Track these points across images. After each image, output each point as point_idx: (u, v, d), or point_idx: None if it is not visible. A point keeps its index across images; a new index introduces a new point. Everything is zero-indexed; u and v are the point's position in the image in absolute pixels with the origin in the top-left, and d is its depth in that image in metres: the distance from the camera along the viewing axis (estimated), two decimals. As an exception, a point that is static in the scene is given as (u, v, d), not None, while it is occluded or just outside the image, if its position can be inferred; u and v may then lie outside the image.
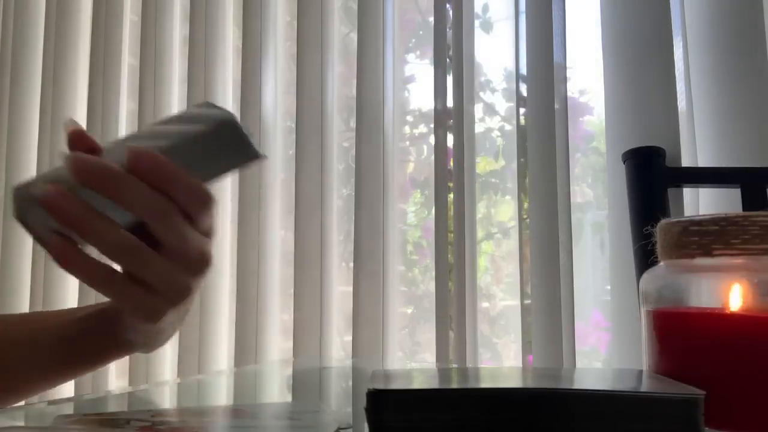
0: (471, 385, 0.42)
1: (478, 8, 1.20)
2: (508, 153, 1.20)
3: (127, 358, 1.42)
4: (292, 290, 1.28)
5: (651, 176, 0.93)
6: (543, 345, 1.07)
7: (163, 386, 0.67)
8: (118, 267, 0.40)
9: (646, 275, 0.45)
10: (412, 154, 1.31)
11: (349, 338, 1.23)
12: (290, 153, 1.37)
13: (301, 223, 1.29)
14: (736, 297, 0.40)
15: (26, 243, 1.59)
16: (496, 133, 1.21)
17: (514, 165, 1.15)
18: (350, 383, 0.70)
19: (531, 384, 0.41)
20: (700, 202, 1.03)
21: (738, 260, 0.40)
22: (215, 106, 0.42)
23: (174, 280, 0.39)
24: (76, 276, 0.39)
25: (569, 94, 1.10)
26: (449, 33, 1.19)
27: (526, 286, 1.12)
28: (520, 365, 1.11)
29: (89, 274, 0.39)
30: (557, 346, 1.05)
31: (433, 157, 1.20)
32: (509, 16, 1.17)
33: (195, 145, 0.40)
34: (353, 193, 1.25)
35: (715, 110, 1.02)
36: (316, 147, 1.31)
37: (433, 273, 1.16)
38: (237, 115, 1.48)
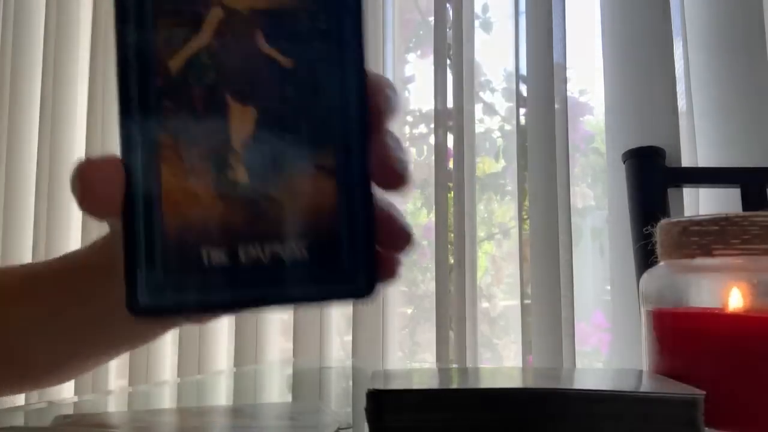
0: (471, 385, 0.42)
1: (478, 8, 1.20)
2: (508, 153, 1.20)
3: (127, 358, 1.42)
4: (292, 290, 1.28)
5: (651, 176, 0.93)
6: (543, 345, 1.07)
7: (163, 386, 0.67)
8: None
9: (646, 275, 0.45)
10: (412, 154, 1.32)
11: (349, 338, 1.23)
12: (290, 153, 1.37)
13: (301, 223, 1.29)
14: (736, 297, 0.40)
15: (26, 241, 1.59)
16: (496, 133, 1.21)
17: (514, 165, 1.15)
18: (350, 383, 0.70)
19: (531, 384, 0.41)
20: (700, 202, 1.03)
21: (738, 260, 0.40)
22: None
23: None
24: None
25: (569, 94, 1.10)
26: (449, 33, 1.19)
27: (526, 286, 1.12)
28: (520, 365, 1.11)
29: None
30: (557, 346, 1.05)
31: (433, 157, 1.20)
32: (509, 16, 1.17)
33: None
34: (353, 193, 1.25)
35: (715, 110, 1.02)
36: (316, 147, 1.31)
37: (433, 273, 1.16)
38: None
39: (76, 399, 0.58)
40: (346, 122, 0.25)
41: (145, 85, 0.23)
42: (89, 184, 0.23)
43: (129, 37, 0.23)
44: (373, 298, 0.25)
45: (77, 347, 0.43)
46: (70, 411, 0.52)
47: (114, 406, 0.56)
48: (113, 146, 1.52)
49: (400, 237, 0.26)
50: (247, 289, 0.24)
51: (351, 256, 0.24)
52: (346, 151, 0.24)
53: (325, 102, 0.24)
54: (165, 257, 0.23)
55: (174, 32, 0.23)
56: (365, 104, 0.25)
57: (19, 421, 0.47)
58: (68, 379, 0.50)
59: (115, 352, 0.45)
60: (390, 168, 0.25)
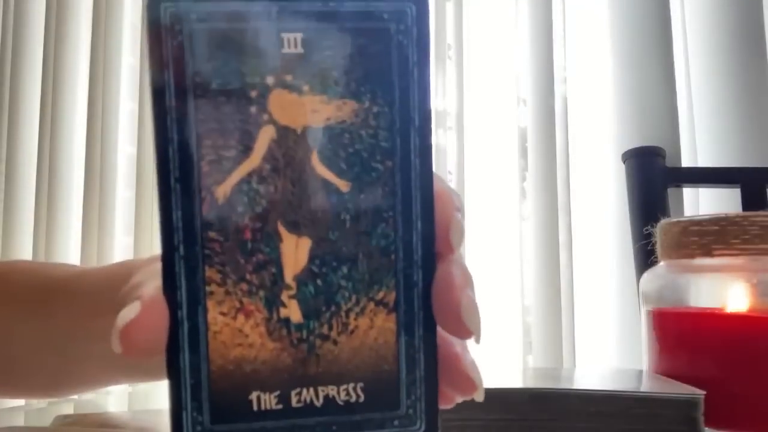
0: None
1: (478, 8, 1.20)
2: (508, 153, 1.20)
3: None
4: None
5: (651, 176, 0.93)
6: (543, 345, 1.07)
7: (163, 386, 0.67)
8: None
9: (646, 275, 0.45)
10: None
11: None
12: (290, 153, 1.36)
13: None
14: (736, 297, 0.40)
15: (26, 242, 1.59)
16: (496, 133, 1.21)
17: (515, 165, 1.15)
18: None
19: (531, 384, 0.41)
20: (700, 202, 1.03)
21: (738, 260, 0.40)
22: None
23: None
24: None
25: (569, 94, 1.10)
26: (449, 33, 1.19)
27: (526, 285, 1.12)
28: (520, 365, 1.11)
29: None
30: (557, 346, 1.05)
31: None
32: (509, 16, 1.17)
33: None
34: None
35: (715, 110, 1.02)
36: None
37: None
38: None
39: (76, 399, 0.58)
40: (410, 253, 0.22)
41: (189, 214, 0.21)
42: (130, 342, 0.21)
43: (171, 161, 0.21)
44: None
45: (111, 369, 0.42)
46: (70, 411, 0.51)
47: (114, 406, 0.56)
48: (112, 146, 1.52)
49: (462, 384, 0.23)
50: None
51: (411, 399, 0.23)
52: (408, 285, 0.22)
53: (385, 230, 0.22)
54: (212, 402, 0.21)
55: (221, 154, 0.21)
56: (432, 232, 0.22)
57: (19, 421, 0.47)
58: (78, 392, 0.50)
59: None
60: (452, 313, 0.22)
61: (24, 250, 1.62)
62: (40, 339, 0.42)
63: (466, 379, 0.23)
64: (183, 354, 0.21)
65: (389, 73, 0.22)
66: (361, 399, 0.22)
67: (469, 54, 1.18)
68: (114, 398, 0.59)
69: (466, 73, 1.17)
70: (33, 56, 1.66)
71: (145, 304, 0.21)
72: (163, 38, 0.20)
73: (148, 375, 0.42)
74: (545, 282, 1.07)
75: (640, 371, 0.44)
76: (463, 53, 1.17)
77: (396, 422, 0.23)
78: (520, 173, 1.14)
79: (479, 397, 0.24)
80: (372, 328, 0.22)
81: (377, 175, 0.22)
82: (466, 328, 0.22)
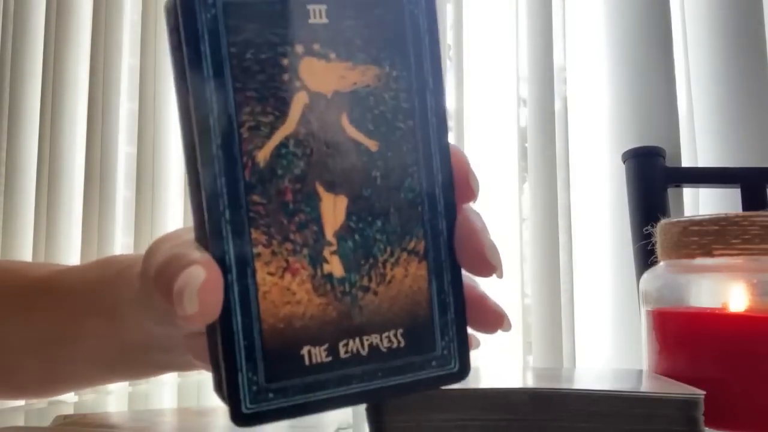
0: (471, 385, 0.42)
1: (478, 8, 1.20)
2: (508, 153, 1.20)
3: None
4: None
5: (651, 176, 0.93)
6: (543, 345, 1.07)
7: (163, 386, 0.67)
8: None
9: (646, 275, 0.45)
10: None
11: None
12: (290, 153, 1.36)
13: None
14: (736, 297, 0.40)
15: (26, 241, 1.59)
16: (496, 133, 1.21)
17: (515, 165, 1.15)
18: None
19: (531, 384, 0.41)
20: (700, 202, 1.03)
21: (738, 260, 0.40)
22: None
23: None
24: None
25: (569, 94, 1.10)
26: (449, 33, 1.19)
27: (526, 286, 1.12)
28: (520, 365, 1.11)
29: None
30: (557, 346, 1.05)
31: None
32: (509, 16, 1.17)
33: None
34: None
35: (715, 110, 1.02)
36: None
37: (433, 273, 1.16)
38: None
39: (76, 399, 0.58)
40: (434, 203, 0.24)
41: (233, 180, 0.22)
42: (205, 303, 0.21)
43: (213, 130, 0.21)
44: (465, 378, 0.25)
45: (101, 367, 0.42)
46: (70, 411, 0.52)
47: (114, 406, 0.56)
48: (112, 146, 1.52)
49: (492, 319, 0.26)
50: (347, 385, 0.23)
51: (445, 340, 0.24)
52: (434, 234, 0.24)
53: (411, 184, 0.24)
54: (266, 361, 0.22)
55: (259, 121, 0.22)
56: (452, 183, 0.24)
57: (19, 421, 0.47)
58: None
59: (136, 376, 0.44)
60: (478, 253, 0.24)
61: (24, 251, 1.62)
62: (24, 341, 0.41)
63: (495, 313, 0.26)
64: (235, 316, 0.22)
65: (404, 39, 0.23)
66: (402, 344, 0.24)
67: (469, 54, 1.18)
68: (114, 398, 0.59)
69: (466, 73, 1.17)
70: (33, 56, 1.66)
71: (206, 267, 0.21)
72: (198, 12, 0.21)
73: (137, 372, 0.42)
74: (545, 282, 1.07)
75: (640, 371, 0.44)
76: (463, 53, 1.17)
77: (434, 363, 0.24)
78: (520, 174, 1.14)
79: (508, 328, 0.26)
80: (407, 276, 0.24)
81: (401, 133, 0.24)
82: (491, 265, 0.24)
